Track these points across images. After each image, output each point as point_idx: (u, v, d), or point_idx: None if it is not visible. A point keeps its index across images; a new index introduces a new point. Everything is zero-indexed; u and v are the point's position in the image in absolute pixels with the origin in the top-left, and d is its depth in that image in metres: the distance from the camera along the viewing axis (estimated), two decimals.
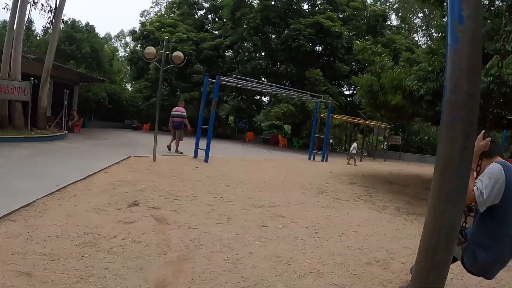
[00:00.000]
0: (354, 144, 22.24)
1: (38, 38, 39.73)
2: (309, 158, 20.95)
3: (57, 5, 20.62)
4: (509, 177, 2.82)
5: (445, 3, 15.08)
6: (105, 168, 9.70)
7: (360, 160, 23.18)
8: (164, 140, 16.72)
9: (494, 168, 2.86)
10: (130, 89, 49.04)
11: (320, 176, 13.50)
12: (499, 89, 7.69)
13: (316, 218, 6.78)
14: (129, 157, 12.63)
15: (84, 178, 8.09)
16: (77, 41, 38.25)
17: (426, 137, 35.64)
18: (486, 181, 2.79)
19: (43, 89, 19.27)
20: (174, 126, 16.49)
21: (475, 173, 2.87)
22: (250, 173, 12.33)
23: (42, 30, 39.93)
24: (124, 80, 52.58)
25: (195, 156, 14.77)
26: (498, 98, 7.95)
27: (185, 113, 16.73)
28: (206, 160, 13.77)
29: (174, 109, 16.84)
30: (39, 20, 36.99)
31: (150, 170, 10.32)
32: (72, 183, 7.48)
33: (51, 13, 22.33)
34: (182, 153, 15.68)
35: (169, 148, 16.44)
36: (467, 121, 1.85)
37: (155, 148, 12.49)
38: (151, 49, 12.70)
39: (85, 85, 32.82)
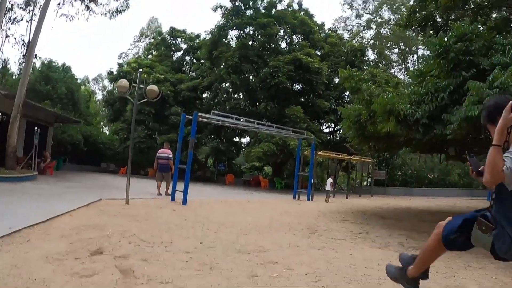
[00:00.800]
0: (329, 180, 21.25)
1: (13, 77, 38.78)
2: (294, 198, 20.00)
3: (30, 40, 20.02)
4: None
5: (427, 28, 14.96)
6: (71, 210, 8.65)
7: (333, 196, 22.12)
8: (140, 183, 15.72)
9: None
10: (107, 133, 48.21)
11: (309, 215, 12.50)
12: None
13: (314, 262, 5.74)
14: (100, 199, 11.57)
15: (44, 221, 7.05)
16: (53, 81, 37.27)
17: (410, 170, 35.26)
18: None
19: (12, 127, 18.24)
20: (161, 169, 15.51)
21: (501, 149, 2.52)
22: (232, 215, 11.25)
23: (17, 69, 39.08)
24: (102, 124, 51.67)
25: (172, 199, 13.64)
26: None
27: (171, 155, 15.74)
28: (184, 202, 12.64)
29: (159, 151, 16.02)
30: (14, 56, 36.46)
31: (121, 213, 9.21)
32: (29, 226, 6.47)
33: (24, 47, 21.74)
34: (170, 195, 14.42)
35: (159, 193, 15.44)
36: None
37: (128, 190, 11.39)
38: (123, 82, 11.80)
39: (60, 126, 32.10)
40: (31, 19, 22.64)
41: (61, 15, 24.54)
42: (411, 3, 16.13)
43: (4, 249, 5.02)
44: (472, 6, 13.85)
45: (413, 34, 43.58)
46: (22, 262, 4.53)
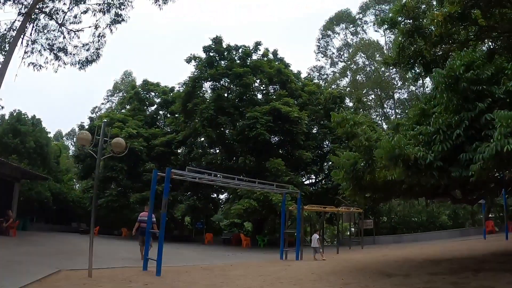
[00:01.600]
0: (315, 236, 19.55)
1: None
2: (281, 258, 18.32)
3: None
4: None
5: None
6: None
7: (323, 252, 20.47)
8: (112, 245, 13.97)
9: None
10: (78, 190, 46.13)
11: (304, 280, 10.78)
12: None
13: None
14: (59, 270, 9.84)
15: None
16: (22, 135, 35.31)
17: (397, 216, 34.11)
18: None
19: None
20: (142, 232, 14.34)
21: None
22: (216, 287, 9.49)
23: None
24: (74, 180, 49.52)
25: (144, 268, 11.73)
26: None
27: (154, 219, 14.05)
28: (158, 273, 10.74)
29: (141, 214, 15.13)
30: None
31: None
32: None
33: None
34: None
35: (142, 258, 13.53)
36: None
37: (91, 258, 9.57)
38: (84, 134, 10.29)
39: (27, 182, 30.48)
40: None
41: (28, 64, 23.15)
42: (392, 39, 15.54)
43: None
44: (458, 38, 13.25)
45: (393, 76, 44.06)
46: None
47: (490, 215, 27.98)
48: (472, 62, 8.22)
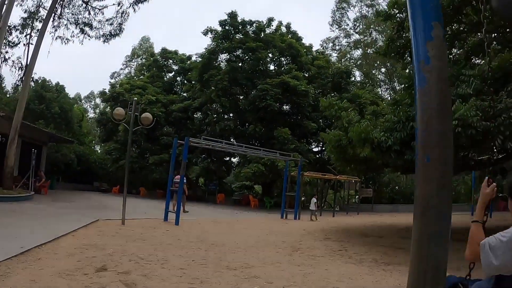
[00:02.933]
0: (313, 199, 21.86)
1: (8, 95, 39.32)
2: (282, 217, 20.74)
3: (28, 63, 20.67)
4: None
5: (407, 54, 15.82)
6: (72, 231, 9.35)
7: (320, 215, 22.84)
8: (133, 202, 16.38)
9: None
10: (99, 151, 48.58)
11: (294, 234, 13.29)
12: (465, 131, 7.96)
13: (292, 276, 6.55)
14: (98, 220, 12.28)
15: (50, 241, 7.76)
16: (47, 101, 37.87)
17: (397, 187, 36.01)
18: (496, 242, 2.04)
19: (10, 148, 18.82)
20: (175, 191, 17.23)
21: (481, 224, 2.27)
22: (222, 234, 12.03)
23: (12, 88, 39.64)
24: (94, 142, 52.11)
25: (165, 219, 14.38)
26: (464, 141, 8.18)
27: (185, 180, 17.18)
28: (177, 223, 13.41)
29: (175, 177, 17.31)
30: (9, 77, 36.83)
31: (119, 233, 9.95)
32: (37, 246, 7.16)
33: (22, 70, 22.36)
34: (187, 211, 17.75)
35: (184, 210, 17.54)
36: (442, 159, 1.82)
37: (124, 211, 12.11)
38: (120, 110, 12.64)
39: (53, 145, 32.62)
40: (29, 43, 23.34)
41: (56, 38, 25.18)
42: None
43: (20, 266, 5.72)
44: (449, 32, 14.74)
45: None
46: (39, 278, 5.25)
47: None
48: None
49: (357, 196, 33.68)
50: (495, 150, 9.51)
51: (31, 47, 21.87)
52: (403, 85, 10.41)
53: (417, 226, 1.88)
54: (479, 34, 15.52)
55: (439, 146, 1.82)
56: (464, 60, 11.99)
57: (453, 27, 14.11)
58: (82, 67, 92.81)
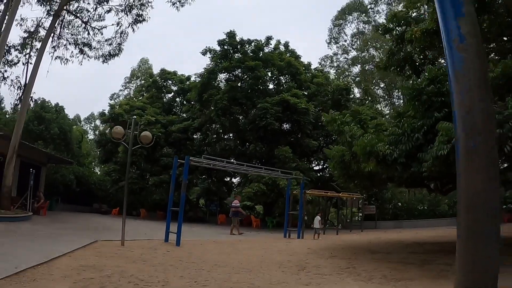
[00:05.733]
0: (317, 217, 21.53)
1: (7, 115, 39.14)
2: (285, 236, 20.35)
3: (27, 82, 20.62)
4: None
5: (407, 67, 15.70)
6: (69, 252, 9.07)
7: (324, 233, 22.48)
8: (133, 224, 16.11)
9: None
10: (98, 172, 48.36)
11: (299, 252, 12.94)
12: None
13: None
14: (96, 241, 11.98)
15: (46, 262, 7.49)
16: (46, 122, 37.57)
17: (399, 203, 35.61)
18: None
19: (8, 167, 18.66)
20: (233, 214, 21.15)
21: None
22: (225, 254, 11.68)
23: (11, 108, 39.52)
24: (93, 163, 51.89)
25: (166, 240, 14.02)
26: None
27: (238, 204, 21.50)
28: (178, 243, 13.04)
29: (233, 202, 21.60)
30: (8, 97, 36.77)
31: (118, 254, 9.62)
32: (33, 266, 6.93)
33: (20, 90, 22.32)
34: (242, 233, 20.69)
35: (231, 232, 20.74)
36: (489, 145, 1.56)
37: (123, 231, 11.79)
38: (118, 129, 12.42)
39: (52, 166, 32.48)
40: (28, 62, 23.38)
41: (56, 58, 25.24)
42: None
43: (14, 287, 5.44)
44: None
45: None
46: None
47: None
48: (436, 77, 10.03)
49: (360, 214, 33.27)
50: (503, 158, 9.30)
51: (30, 67, 21.89)
52: (406, 97, 10.12)
53: (463, 225, 1.61)
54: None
55: (485, 131, 1.56)
56: None
57: None
58: (82, 89, 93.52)
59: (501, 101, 8.19)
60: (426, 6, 15.58)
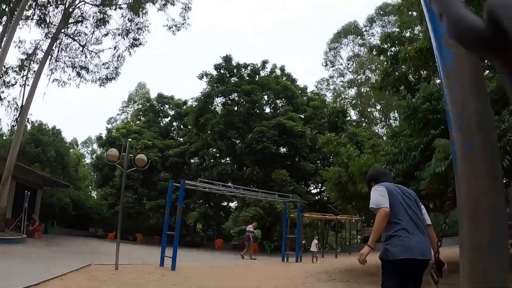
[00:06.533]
0: (314, 241, 21.26)
1: (4, 137, 38.95)
2: (283, 260, 20.06)
3: (23, 104, 20.59)
4: None
5: (402, 87, 15.73)
6: (61, 275, 8.80)
7: (322, 256, 22.19)
8: (128, 248, 15.86)
9: None
10: (95, 197, 48.05)
11: (296, 276, 12.68)
12: None
13: None
14: (90, 264, 11.67)
15: (37, 284, 7.23)
16: (43, 144, 37.11)
17: None
18: None
19: (3, 189, 18.46)
20: (247, 238, 21.59)
21: None
22: (221, 280, 11.43)
23: (8, 130, 39.31)
24: (90, 187, 51.54)
25: (161, 264, 13.71)
26: None
27: (252, 230, 21.81)
28: (173, 268, 12.76)
29: (248, 226, 21.91)
30: (5, 118, 36.72)
31: (111, 279, 9.38)
32: None
33: (17, 111, 22.26)
34: (255, 258, 20.88)
35: (242, 256, 21.19)
36: (489, 145, 1.46)
37: (117, 255, 11.54)
38: (113, 151, 12.31)
39: (49, 189, 32.15)
40: (25, 84, 23.41)
41: (53, 80, 25.28)
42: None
43: None
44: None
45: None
46: None
47: None
48: (432, 94, 10.00)
49: (358, 236, 33.00)
50: (502, 172, 9.16)
51: (27, 88, 21.96)
52: (402, 115, 10.08)
53: (466, 234, 1.49)
54: None
55: (483, 129, 1.46)
56: None
57: None
58: (79, 112, 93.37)
59: (497, 115, 8.14)
60: (419, 27, 15.75)
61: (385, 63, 16.01)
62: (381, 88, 15.96)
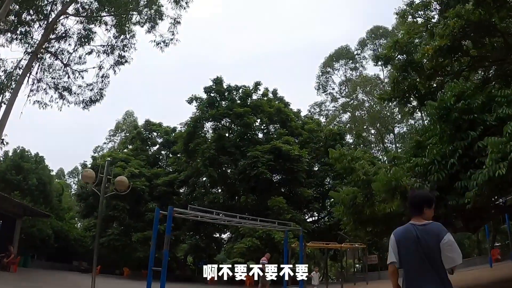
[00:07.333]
0: (314, 274, 19.72)
1: None
2: None
3: None
4: None
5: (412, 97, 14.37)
6: None
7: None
8: (112, 284, 14.02)
9: None
10: (79, 228, 45.98)
11: None
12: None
13: None
14: None
15: None
16: (24, 171, 35.19)
17: None
18: None
19: None
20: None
21: None
22: None
23: None
24: (75, 219, 49.31)
25: None
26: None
27: (266, 262, 18.12)
28: None
29: (262, 258, 18.52)
30: None
31: None
32: None
33: None
34: None
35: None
36: None
37: None
38: (89, 172, 10.63)
39: (29, 219, 30.08)
40: (1, 102, 21.78)
41: (34, 102, 23.63)
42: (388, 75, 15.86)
43: None
44: (451, 70, 13.58)
45: (393, 110, 44.16)
46: None
47: (496, 244, 27.39)
48: (463, 92, 8.48)
49: (358, 265, 31.26)
50: None
51: (3, 106, 20.37)
52: (433, 118, 8.57)
53: None
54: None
55: None
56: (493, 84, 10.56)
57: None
58: (66, 142, 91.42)
59: None
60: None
61: (394, 72, 14.60)
62: (390, 99, 14.52)
